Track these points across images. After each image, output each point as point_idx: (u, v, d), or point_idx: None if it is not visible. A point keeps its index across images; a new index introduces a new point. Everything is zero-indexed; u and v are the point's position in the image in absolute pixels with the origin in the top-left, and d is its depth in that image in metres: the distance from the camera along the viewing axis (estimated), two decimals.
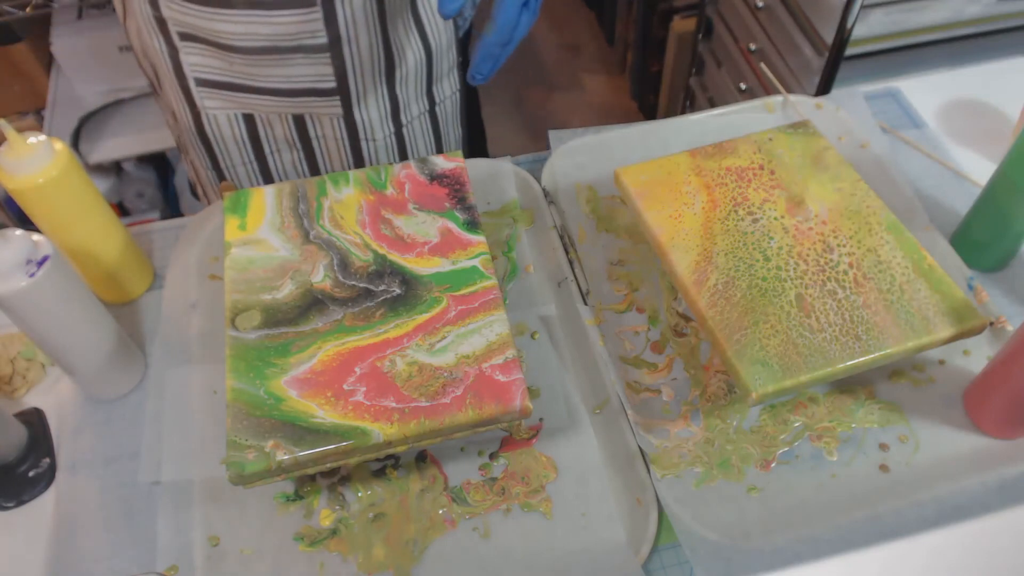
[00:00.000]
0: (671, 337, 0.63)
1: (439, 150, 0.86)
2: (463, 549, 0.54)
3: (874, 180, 0.70)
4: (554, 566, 0.53)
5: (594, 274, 0.67)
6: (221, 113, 0.74)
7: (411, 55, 0.75)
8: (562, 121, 1.99)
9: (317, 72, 0.71)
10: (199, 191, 0.88)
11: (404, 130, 0.80)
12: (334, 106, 0.73)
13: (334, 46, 0.69)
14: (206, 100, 0.73)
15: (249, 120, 0.75)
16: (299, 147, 0.78)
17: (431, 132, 0.85)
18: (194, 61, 0.70)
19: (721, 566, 0.51)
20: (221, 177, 0.80)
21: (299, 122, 0.75)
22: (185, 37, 0.69)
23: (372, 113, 0.76)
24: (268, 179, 0.80)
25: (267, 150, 0.77)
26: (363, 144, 0.78)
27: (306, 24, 0.67)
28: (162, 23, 0.69)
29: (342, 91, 0.73)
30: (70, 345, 0.56)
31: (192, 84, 0.72)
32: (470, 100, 0.93)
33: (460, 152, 0.66)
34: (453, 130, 0.87)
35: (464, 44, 0.84)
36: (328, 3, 0.66)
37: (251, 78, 0.71)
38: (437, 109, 0.83)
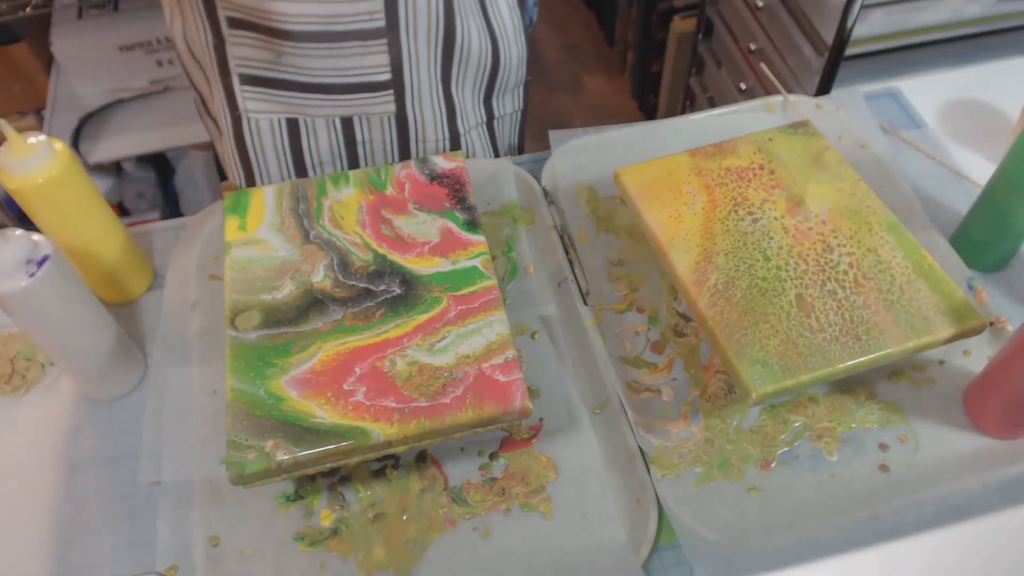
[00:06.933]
0: (671, 337, 0.63)
1: None
2: (463, 549, 0.54)
3: (874, 180, 0.70)
4: (554, 566, 0.53)
5: (594, 274, 0.67)
6: (264, 118, 0.70)
7: (477, 48, 0.72)
8: (562, 121, 1.99)
9: (371, 63, 0.67)
10: None
11: (462, 140, 0.77)
12: (387, 102, 0.70)
13: (391, 30, 0.66)
14: (249, 102, 0.69)
15: (292, 127, 0.71)
16: (343, 159, 0.74)
17: (489, 148, 0.81)
18: (241, 53, 0.67)
19: (721, 566, 0.51)
20: None
21: (347, 126, 0.71)
22: (234, 23, 0.65)
23: (426, 111, 0.72)
24: None
25: (308, 163, 0.74)
26: (413, 147, 0.74)
27: (365, 2, 0.64)
28: (211, 8, 0.66)
29: (396, 84, 0.69)
30: (70, 345, 0.56)
31: (236, 82, 0.68)
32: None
33: (461, 152, 0.66)
34: (511, 151, 0.84)
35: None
36: None
37: (300, 72, 0.67)
38: (495, 124, 0.80)
